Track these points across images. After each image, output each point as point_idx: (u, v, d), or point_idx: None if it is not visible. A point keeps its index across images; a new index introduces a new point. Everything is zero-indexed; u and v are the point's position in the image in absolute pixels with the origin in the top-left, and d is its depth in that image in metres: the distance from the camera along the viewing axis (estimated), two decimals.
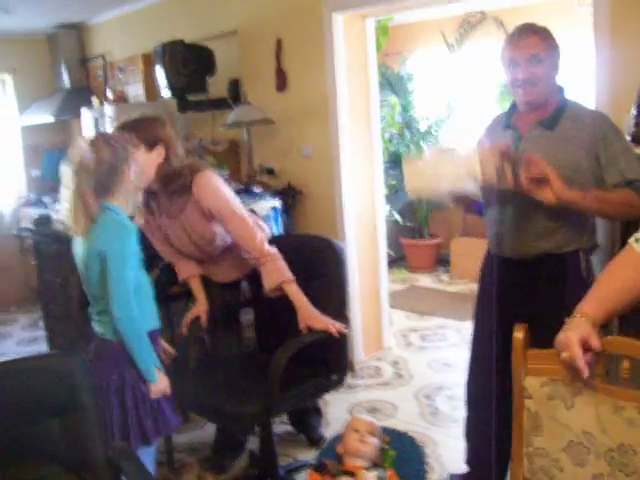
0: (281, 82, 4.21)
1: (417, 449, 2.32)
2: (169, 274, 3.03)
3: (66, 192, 2.22)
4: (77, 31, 6.16)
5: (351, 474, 2.19)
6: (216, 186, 2.72)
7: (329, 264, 2.68)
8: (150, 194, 2.70)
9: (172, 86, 4.38)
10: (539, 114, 2.19)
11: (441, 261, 6.58)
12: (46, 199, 5.72)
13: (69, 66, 6.11)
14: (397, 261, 6.58)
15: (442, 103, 6.36)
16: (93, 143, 2.21)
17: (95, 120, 5.22)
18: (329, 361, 2.71)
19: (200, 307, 2.93)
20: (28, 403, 1.91)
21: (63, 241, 3.17)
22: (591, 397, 1.46)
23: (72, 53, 6.13)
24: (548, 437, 1.51)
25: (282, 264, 2.65)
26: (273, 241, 2.84)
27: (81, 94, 5.92)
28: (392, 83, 6.33)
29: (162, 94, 4.47)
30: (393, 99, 5.39)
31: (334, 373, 2.71)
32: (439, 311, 5.29)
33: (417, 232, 6.65)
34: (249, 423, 2.66)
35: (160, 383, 2.28)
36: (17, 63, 6.25)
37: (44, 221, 3.73)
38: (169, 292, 3.17)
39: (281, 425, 3.46)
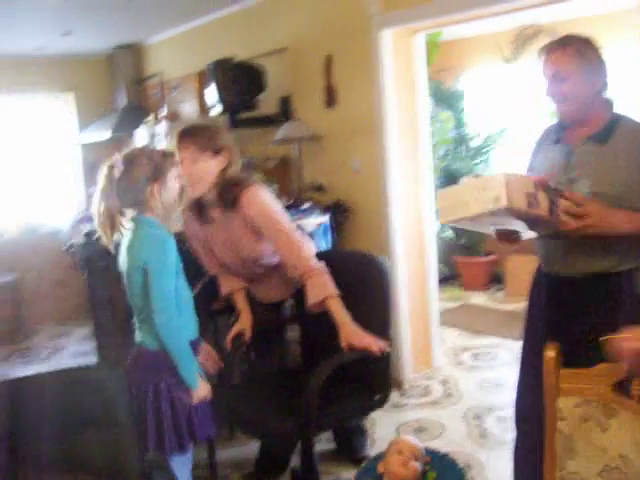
0: (330, 98, 4.22)
1: (458, 471, 2.25)
2: (212, 289, 3.05)
3: (96, 203, 2.26)
4: (134, 51, 6.34)
5: None
6: (264, 200, 2.69)
7: (372, 281, 2.65)
8: (204, 203, 2.72)
9: (223, 103, 4.44)
10: (590, 128, 2.12)
11: (495, 279, 6.44)
12: None
13: (126, 85, 6.29)
14: (450, 279, 6.48)
15: (496, 119, 6.27)
16: (126, 156, 2.25)
17: (150, 138, 5.34)
18: (372, 380, 2.67)
19: (244, 322, 2.90)
20: (67, 413, 1.94)
21: (110, 255, 3.22)
22: (627, 419, 1.39)
23: (129, 72, 6.31)
24: (582, 460, 1.44)
25: (327, 278, 2.61)
26: (317, 256, 2.84)
27: (137, 112, 6.08)
28: (445, 99, 6.27)
29: (212, 112, 4.54)
30: (445, 114, 5.33)
31: (377, 393, 2.66)
32: (492, 330, 5.17)
33: (472, 249, 6.53)
34: (286, 439, 2.63)
35: (201, 389, 2.30)
36: (78, 82, 6.47)
37: (92, 236, 3.80)
38: (212, 307, 3.19)
39: (326, 443, 3.44)
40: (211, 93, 4.52)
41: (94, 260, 3.92)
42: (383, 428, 3.63)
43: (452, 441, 3.41)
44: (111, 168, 2.21)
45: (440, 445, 3.37)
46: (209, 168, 2.59)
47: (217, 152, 2.61)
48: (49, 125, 6.63)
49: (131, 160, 2.23)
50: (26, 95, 6.34)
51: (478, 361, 4.52)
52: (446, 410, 3.80)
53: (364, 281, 2.67)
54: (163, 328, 2.22)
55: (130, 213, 2.26)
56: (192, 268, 3.15)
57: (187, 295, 2.38)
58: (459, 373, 4.33)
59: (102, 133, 6.12)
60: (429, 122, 4.26)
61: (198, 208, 2.74)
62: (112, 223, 2.22)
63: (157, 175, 2.24)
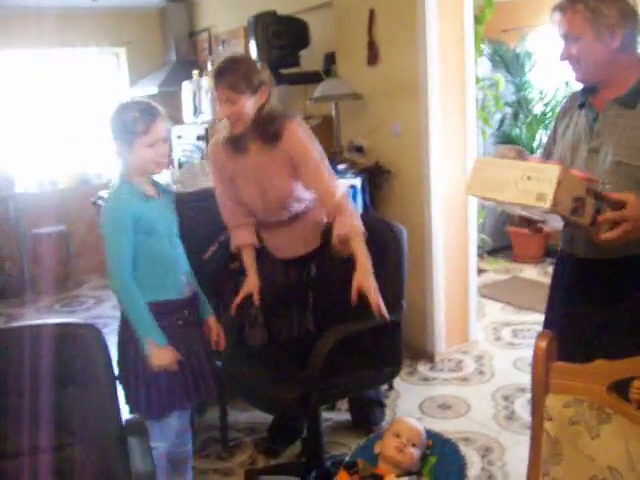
0: (372, 56, 4.01)
1: (459, 458, 2.11)
2: (227, 251, 2.96)
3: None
4: (186, 5, 6.24)
5: (380, 478, 2.03)
6: (307, 133, 2.64)
7: (387, 246, 2.50)
8: (238, 138, 2.64)
9: (263, 58, 4.29)
10: (616, 90, 1.88)
11: (550, 252, 6.14)
12: None
13: (177, 39, 6.21)
14: (501, 250, 6.23)
15: (563, 84, 5.90)
16: (118, 106, 2.20)
17: (193, 93, 5.25)
18: (383, 353, 2.53)
19: (251, 283, 2.77)
20: (44, 369, 1.88)
21: None
22: (620, 427, 1.21)
23: (181, 27, 6.23)
24: (568, 468, 1.28)
25: (357, 218, 2.53)
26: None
27: (187, 67, 5.98)
28: (506, 61, 5.95)
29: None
30: (498, 76, 5.03)
31: (388, 366, 2.53)
32: (538, 306, 4.88)
33: (527, 220, 6.21)
34: (288, 410, 2.55)
35: (159, 357, 2.21)
36: (131, 37, 6.42)
37: None
38: (230, 267, 3.09)
39: (345, 412, 3.34)
40: (252, 48, 4.38)
41: None
42: (406, 402, 3.51)
43: (476, 421, 3.25)
44: (110, 112, 2.25)
45: (462, 424, 3.24)
46: (247, 106, 2.52)
47: (254, 89, 2.53)
48: (102, 79, 6.63)
49: (116, 109, 2.24)
50: (79, 49, 6.33)
51: (517, 338, 4.31)
52: (475, 388, 3.63)
53: (381, 247, 2.52)
54: (115, 290, 2.23)
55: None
56: (205, 232, 3.09)
57: (170, 255, 2.32)
58: (495, 350, 4.14)
59: (151, 88, 6.08)
60: (475, 85, 4.00)
61: (232, 141, 2.67)
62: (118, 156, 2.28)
63: (119, 135, 2.21)
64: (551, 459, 1.30)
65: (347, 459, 2.19)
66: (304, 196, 2.73)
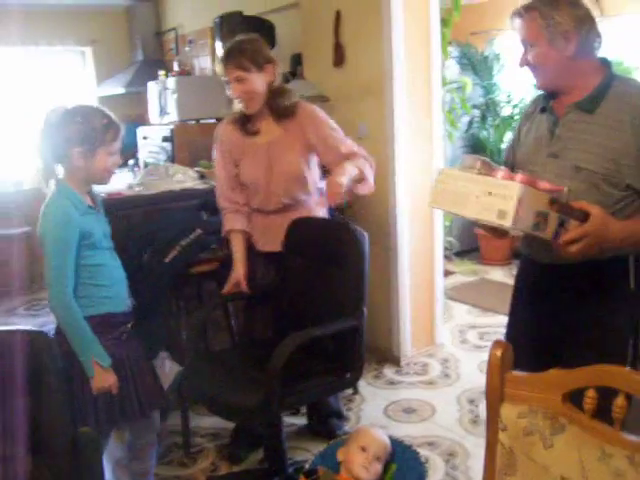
0: (338, 57, 3.99)
1: (419, 466, 2.09)
2: (189, 255, 2.91)
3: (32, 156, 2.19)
4: (153, 4, 6.17)
5: None
6: (322, 113, 2.77)
7: (347, 251, 2.46)
8: (249, 118, 2.71)
9: None
10: (575, 95, 1.87)
11: (518, 254, 6.15)
12: (121, 171, 5.77)
13: (144, 39, 6.14)
14: (469, 252, 6.25)
15: (529, 87, 5.94)
16: (66, 109, 2.12)
17: (159, 93, 5.18)
18: (344, 358, 2.49)
19: (239, 271, 2.74)
20: None
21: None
22: (574, 437, 1.20)
23: (147, 26, 6.16)
24: (522, 478, 1.26)
25: (368, 172, 2.70)
26: (297, 222, 2.69)
27: (154, 67, 5.91)
28: (474, 63, 5.97)
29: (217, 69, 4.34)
30: (465, 79, 5.05)
31: (349, 372, 2.48)
32: (505, 308, 4.88)
33: (490, 227, 6.24)
34: (248, 417, 2.49)
35: (101, 379, 2.14)
36: (97, 35, 6.34)
37: None
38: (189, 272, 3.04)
39: (303, 417, 3.29)
40: (218, 49, 4.33)
41: None
42: (371, 406, 3.49)
43: (440, 425, 3.24)
44: (52, 112, 2.13)
45: (426, 428, 3.23)
46: (256, 83, 2.61)
47: (262, 67, 2.62)
48: (67, 78, 6.52)
49: (66, 114, 2.13)
50: (44, 48, 6.22)
51: (483, 341, 4.31)
52: (440, 391, 3.63)
53: (341, 249, 2.49)
54: (52, 303, 2.12)
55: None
56: (167, 235, 3.04)
57: (112, 267, 2.28)
58: (461, 352, 4.14)
59: (118, 88, 5.99)
60: (443, 87, 4.00)
61: (244, 121, 2.73)
62: (47, 172, 2.17)
63: (82, 142, 2.11)
64: (506, 469, 1.28)
65: (307, 466, 2.16)
66: (308, 180, 2.75)
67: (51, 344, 1.87)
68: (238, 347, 2.86)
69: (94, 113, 2.17)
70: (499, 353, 1.30)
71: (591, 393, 1.20)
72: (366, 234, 2.51)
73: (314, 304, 2.52)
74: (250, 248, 2.85)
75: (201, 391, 2.49)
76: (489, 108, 6.07)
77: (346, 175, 2.48)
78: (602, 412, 1.20)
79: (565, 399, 1.23)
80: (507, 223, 1.52)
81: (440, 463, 2.91)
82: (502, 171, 1.64)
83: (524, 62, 1.91)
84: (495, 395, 1.30)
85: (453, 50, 5.86)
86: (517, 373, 1.31)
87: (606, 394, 1.20)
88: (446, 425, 3.24)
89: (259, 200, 2.78)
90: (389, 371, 3.90)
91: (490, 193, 1.56)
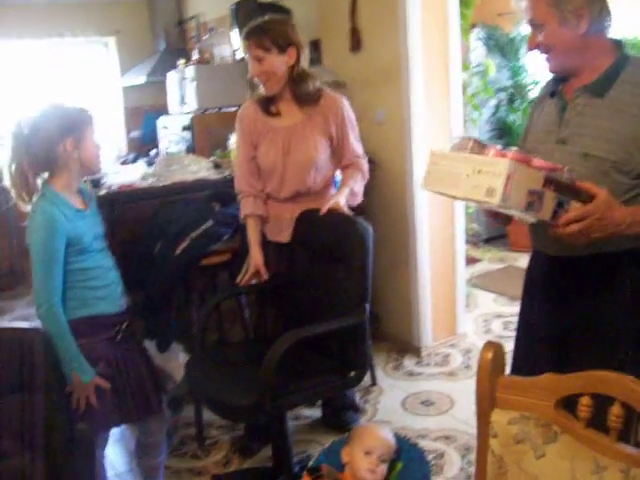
0: (355, 42, 3.90)
1: (424, 464, 2.03)
2: (199, 247, 2.88)
3: (6, 164, 2.11)
4: None
5: None
6: (350, 108, 2.79)
7: (350, 245, 2.38)
8: (270, 100, 2.68)
9: None
10: (585, 78, 1.77)
11: None
12: (142, 160, 5.78)
13: (166, 28, 6.10)
14: (498, 239, 6.12)
15: None
16: (38, 110, 2.09)
17: (179, 82, 5.15)
18: (347, 356, 2.41)
19: (256, 258, 2.68)
20: None
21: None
22: (566, 447, 1.13)
23: (169, 15, 6.13)
24: None
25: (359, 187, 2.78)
26: (304, 214, 2.64)
27: (176, 56, 5.87)
28: (501, 46, 5.82)
29: (236, 56, 4.29)
30: (488, 62, 4.91)
31: (352, 370, 2.41)
32: None
33: (493, 212, 6.10)
34: (243, 417, 2.44)
35: (79, 390, 2.08)
36: (120, 26, 6.32)
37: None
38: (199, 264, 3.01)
39: (318, 409, 3.24)
40: (235, 36, 4.27)
41: None
42: (389, 397, 3.43)
43: (458, 419, 3.17)
44: (19, 124, 2.08)
45: (443, 421, 3.16)
46: (275, 65, 2.57)
47: (284, 49, 2.57)
48: (91, 70, 6.53)
49: (41, 114, 2.10)
50: (68, 40, 6.23)
51: (508, 331, 4.21)
52: (461, 383, 3.54)
53: (343, 246, 2.41)
54: (38, 311, 2.07)
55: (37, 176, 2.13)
56: (177, 227, 3.00)
57: (104, 268, 2.23)
58: (484, 343, 4.03)
59: (140, 77, 5.99)
60: (465, 70, 3.89)
61: (265, 102, 2.70)
62: (27, 187, 2.07)
63: (71, 130, 2.08)
64: (496, 478, 1.22)
65: (311, 463, 2.11)
66: (324, 168, 2.73)
67: (47, 341, 1.85)
68: (246, 342, 2.83)
69: (62, 105, 2.16)
70: (490, 355, 1.23)
71: (586, 400, 1.12)
72: (370, 228, 2.42)
73: (318, 299, 2.45)
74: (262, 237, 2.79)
75: (199, 389, 2.44)
76: (516, 91, 5.91)
77: (344, 197, 2.63)
78: (598, 421, 1.13)
79: (558, 406, 1.16)
80: (495, 201, 1.44)
81: (456, 458, 2.84)
82: (494, 149, 1.55)
83: (534, 44, 1.80)
84: (485, 400, 1.23)
85: (479, 32, 5.72)
86: (508, 377, 1.24)
87: (603, 402, 1.12)
88: (464, 419, 3.16)
89: (273, 186, 2.73)
90: (409, 362, 3.83)
91: (479, 171, 1.48)
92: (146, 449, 2.48)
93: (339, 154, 2.76)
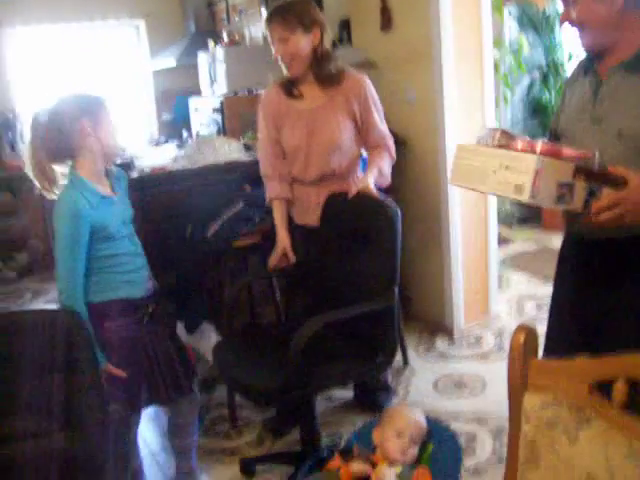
0: (386, 21, 3.85)
1: (456, 444, 2.02)
2: (231, 229, 2.89)
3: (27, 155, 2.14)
4: None
5: (371, 463, 1.95)
6: (373, 88, 2.76)
7: (378, 227, 2.36)
8: (293, 82, 2.68)
9: None
10: (621, 54, 1.72)
11: None
12: (173, 142, 5.80)
13: (196, 10, 6.09)
14: (531, 219, 6.03)
15: None
16: (54, 100, 2.12)
17: (209, 64, 5.15)
18: (375, 341, 2.39)
19: (283, 240, 2.69)
20: (27, 357, 1.86)
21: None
22: (600, 431, 1.11)
23: None
24: (546, 473, 1.18)
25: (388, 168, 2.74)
26: (333, 196, 2.62)
27: (206, 38, 5.86)
28: (535, 22, 5.70)
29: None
30: (521, 39, 4.81)
31: (381, 354, 2.39)
32: None
33: None
34: (269, 401, 2.44)
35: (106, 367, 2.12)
36: (150, 9, 6.33)
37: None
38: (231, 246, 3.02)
39: (351, 390, 3.25)
40: (265, 14, 4.24)
41: None
42: (421, 379, 3.42)
43: (491, 400, 3.15)
44: (36, 116, 2.11)
45: (476, 403, 3.15)
46: (300, 45, 2.56)
47: (308, 28, 2.56)
48: (122, 53, 6.56)
49: (55, 102, 2.12)
50: (98, 23, 6.26)
51: (542, 312, 4.15)
52: (493, 365, 3.52)
53: (373, 228, 2.40)
54: (60, 297, 2.11)
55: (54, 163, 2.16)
56: (208, 209, 3.01)
57: (130, 254, 2.25)
58: (517, 324, 4.00)
59: (170, 60, 6.00)
60: (497, 48, 3.82)
61: (288, 85, 2.70)
62: (47, 178, 2.10)
63: (86, 111, 2.10)
64: (528, 462, 1.21)
65: (342, 444, 2.12)
66: (349, 150, 2.71)
67: (82, 323, 1.88)
68: (277, 325, 2.83)
69: (76, 92, 2.19)
70: (522, 338, 1.22)
71: (620, 384, 1.10)
72: (398, 209, 2.39)
73: (347, 283, 2.44)
74: (289, 220, 2.79)
75: (226, 370, 2.45)
76: (550, 69, 5.79)
77: (372, 178, 2.58)
78: (632, 405, 1.11)
79: (592, 390, 1.14)
80: (524, 198, 1.42)
81: (488, 440, 2.83)
82: (522, 141, 1.52)
83: (567, 18, 1.76)
84: (517, 383, 1.21)
85: (512, 9, 5.60)
86: (541, 360, 1.22)
87: (638, 385, 1.10)
88: (497, 400, 3.12)
89: (298, 169, 2.71)
90: (441, 343, 3.82)
91: (507, 167, 1.46)
92: (177, 430, 2.51)
93: (364, 135, 2.74)
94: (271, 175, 2.75)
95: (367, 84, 2.72)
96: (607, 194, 1.52)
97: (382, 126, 2.77)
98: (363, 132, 2.74)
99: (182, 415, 2.45)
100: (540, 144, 1.47)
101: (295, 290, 2.93)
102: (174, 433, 2.51)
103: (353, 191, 2.52)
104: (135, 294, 2.24)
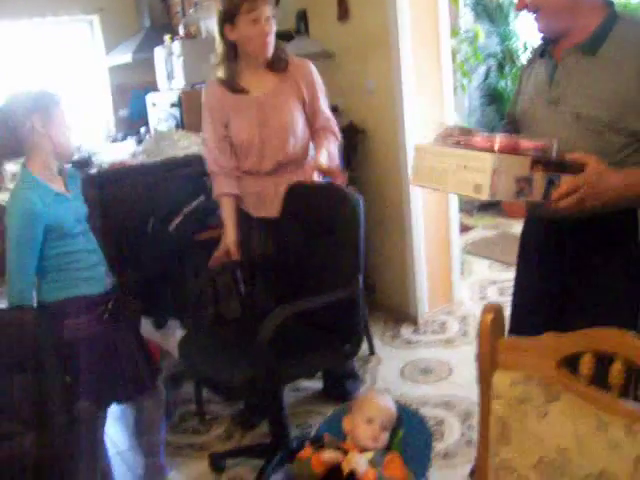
0: (342, 11, 3.84)
1: (425, 429, 2.04)
2: (193, 222, 2.86)
3: None
4: None
5: (342, 451, 1.96)
6: (317, 72, 2.75)
7: (342, 217, 2.35)
8: (233, 76, 2.64)
9: None
10: (576, 37, 1.74)
11: None
12: (131, 138, 5.71)
13: (150, 4, 6.00)
14: (491, 206, 6.11)
15: None
16: (6, 97, 2.10)
17: (165, 58, 5.09)
18: (341, 329, 2.39)
19: (229, 238, 2.68)
20: None
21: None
22: (569, 405, 1.13)
23: None
24: (517, 449, 1.20)
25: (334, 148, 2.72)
26: (293, 187, 2.61)
27: (161, 32, 5.78)
28: (489, 11, 5.76)
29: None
30: (477, 28, 4.87)
31: (347, 343, 2.39)
32: None
33: None
34: (238, 394, 2.42)
35: None
36: (103, 3, 6.20)
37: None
38: (194, 239, 2.99)
39: (318, 381, 3.25)
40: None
41: None
42: (388, 366, 3.44)
43: (458, 385, 3.19)
44: None
45: (444, 388, 3.18)
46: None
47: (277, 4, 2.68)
48: (75, 49, 6.43)
49: (5, 100, 2.10)
50: (50, 19, 6.11)
51: (504, 296, 4.21)
52: (459, 350, 3.56)
53: (335, 217, 2.39)
54: (10, 299, 2.07)
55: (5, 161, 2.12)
56: (170, 202, 2.98)
57: (85, 251, 2.22)
58: (480, 309, 4.04)
59: (125, 55, 5.90)
60: (454, 37, 3.85)
61: (229, 80, 2.64)
62: None
63: (36, 108, 2.07)
64: (500, 439, 1.22)
65: (312, 434, 2.12)
66: (302, 134, 2.70)
67: (44, 320, 1.84)
68: (242, 318, 2.81)
69: (27, 88, 2.15)
70: (490, 317, 1.23)
71: (587, 358, 1.12)
72: (361, 198, 2.39)
73: (310, 273, 2.44)
74: (241, 214, 2.76)
75: (192, 367, 2.43)
76: (506, 57, 5.87)
77: (324, 158, 2.59)
78: (599, 379, 1.13)
79: (560, 365, 1.16)
80: (484, 196, 1.44)
81: (456, 423, 2.86)
82: (480, 137, 1.53)
83: (522, 4, 1.78)
84: (487, 362, 1.23)
85: None
86: (510, 338, 1.24)
87: (604, 359, 1.12)
88: (463, 384, 3.17)
89: (252, 161, 2.69)
90: (406, 331, 3.85)
91: (465, 167, 1.48)
92: (144, 427, 2.48)
93: (311, 118, 2.74)
94: (217, 172, 2.71)
95: (313, 68, 2.73)
96: (565, 181, 1.54)
97: (327, 109, 2.78)
98: (310, 115, 2.73)
99: (147, 413, 2.42)
100: (498, 140, 1.48)
101: (259, 283, 2.91)
102: (140, 431, 2.48)
103: (311, 176, 2.51)
104: (93, 291, 2.21)
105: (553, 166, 1.53)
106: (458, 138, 1.57)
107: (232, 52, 2.61)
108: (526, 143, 1.53)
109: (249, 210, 2.78)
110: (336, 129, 2.80)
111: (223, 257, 2.67)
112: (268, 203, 2.72)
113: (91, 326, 2.15)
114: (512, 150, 1.49)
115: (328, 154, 2.64)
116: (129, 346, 2.26)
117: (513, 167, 1.47)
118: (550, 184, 1.53)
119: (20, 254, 2.05)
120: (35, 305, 2.09)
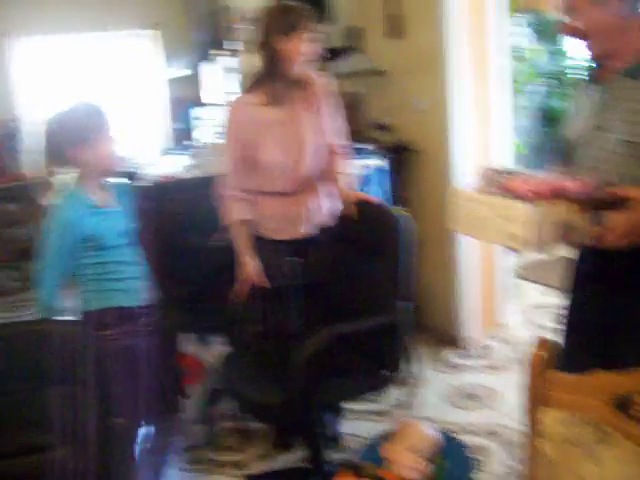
0: (396, 29, 3.81)
1: (468, 461, 1.97)
2: None
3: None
4: None
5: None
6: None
7: (385, 239, 2.31)
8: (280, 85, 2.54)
9: None
10: (624, 60, 1.69)
11: None
12: (186, 151, 5.75)
13: (202, 19, 6.09)
14: None
15: None
16: (61, 113, 2.17)
17: (223, 71, 5.16)
18: (380, 354, 2.34)
19: (250, 265, 2.57)
20: (30, 369, 1.82)
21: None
22: (621, 448, 1.06)
23: (206, 6, 6.09)
24: None
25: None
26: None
27: (213, 47, 5.86)
28: (544, 29, 5.66)
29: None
30: (532, 47, 4.77)
31: (385, 369, 2.33)
32: None
33: None
34: (272, 417, 2.37)
35: None
36: (161, 18, 6.33)
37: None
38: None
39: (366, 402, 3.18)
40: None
41: None
42: (432, 391, 3.37)
43: (502, 412, 3.09)
44: (46, 122, 2.17)
45: (488, 415, 3.09)
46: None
47: (289, 33, 2.50)
48: (136, 62, 6.56)
49: (61, 118, 2.17)
50: (112, 33, 6.26)
51: (552, 322, 4.08)
52: (504, 376, 3.46)
53: (380, 239, 2.34)
54: (37, 307, 2.13)
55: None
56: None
57: (122, 264, 2.23)
58: (529, 335, 3.94)
59: (185, 69, 6.05)
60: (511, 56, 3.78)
61: (278, 91, 2.54)
62: (48, 182, 2.15)
63: (81, 138, 2.12)
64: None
65: (350, 459, 2.07)
66: (325, 153, 2.65)
67: (86, 335, 1.84)
68: (284, 337, 2.75)
69: (81, 106, 2.22)
70: (541, 352, 1.16)
71: (638, 399, 1.06)
72: (410, 220, 2.32)
73: (347, 295, 2.38)
74: (257, 240, 2.65)
75: (229, 388, 2.40)
76: (559, 77, 5.75)
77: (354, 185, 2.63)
78: None
79: (611, 405, 1.09)
80: (517, 247, 1.41)
81: (502, 454, 2.77)
82: (522, 181, 1.50)
83: (571, 30, 1.73)
84: (535, 400, 1.17)
85: (521, 16, 5.57)
86: (561, 374, 1.17)
87: None
88: (508, 413, 3.08)
89: (281, 182, 2.58)
90: (451, 354, 3.76)
91: (507, 218, 1.44)
92: (154, 448, 2.43)
93: (330, 138, 2.70)
94: (235, 196, 2.60)
95: (333, 84, 2.71)
96: (610, 218, 1.50)
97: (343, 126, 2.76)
98: (330, 135, 2.69)
99: (161, 433, 2.40)
100: (546, 183, 1.44)
101: (278, 307, 2.83)
102: (148, 451, 2.44)
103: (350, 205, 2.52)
104: (129, 303, 2.22)
105: (595, 205, 1.49)
106: (499, 181, 1.54)
107: (271, 66, 2.53)
108: (572, 185, 1.49)
109: (267, 234, 2.66)
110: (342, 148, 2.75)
111: (246, 288, 2.58)
112: (291, 224, 2.64)
113: (126, 338, 2.15)
114: (551, 194, 1.45)
115: (351, 175, 2.65)
116: (158, 364, 2.25)
117: (550, 214, 1.44)
118: (594, 222, 1.48)
119: (48, 259, 2.12)
120: (79, 314, 2.13)
